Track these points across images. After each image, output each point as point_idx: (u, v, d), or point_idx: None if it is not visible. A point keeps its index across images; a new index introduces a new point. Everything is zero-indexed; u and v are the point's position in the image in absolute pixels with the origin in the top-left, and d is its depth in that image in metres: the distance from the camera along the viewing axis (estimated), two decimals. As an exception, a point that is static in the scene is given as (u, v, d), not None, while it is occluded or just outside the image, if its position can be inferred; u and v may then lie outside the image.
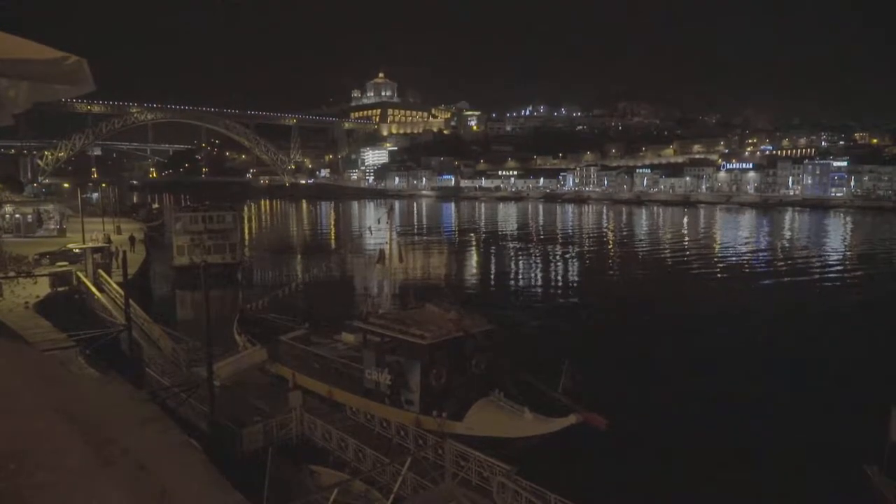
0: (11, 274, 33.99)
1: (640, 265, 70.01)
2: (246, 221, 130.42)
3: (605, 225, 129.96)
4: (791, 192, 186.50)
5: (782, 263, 69.13)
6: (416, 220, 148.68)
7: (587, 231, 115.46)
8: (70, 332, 23.13)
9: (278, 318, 30.50)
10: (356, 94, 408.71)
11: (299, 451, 18.75)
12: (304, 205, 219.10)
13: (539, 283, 59.28)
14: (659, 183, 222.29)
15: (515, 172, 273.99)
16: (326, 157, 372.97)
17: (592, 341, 35.45)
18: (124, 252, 33.60)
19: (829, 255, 75.90)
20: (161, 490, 2.22)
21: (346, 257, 67.13)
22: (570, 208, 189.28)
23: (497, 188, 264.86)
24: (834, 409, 24.34)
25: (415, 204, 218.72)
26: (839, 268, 66.75)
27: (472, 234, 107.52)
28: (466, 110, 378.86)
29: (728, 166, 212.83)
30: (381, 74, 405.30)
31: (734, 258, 74.09)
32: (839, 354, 32.81)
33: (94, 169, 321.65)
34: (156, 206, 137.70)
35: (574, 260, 74.04)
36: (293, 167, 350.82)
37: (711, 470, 19.71)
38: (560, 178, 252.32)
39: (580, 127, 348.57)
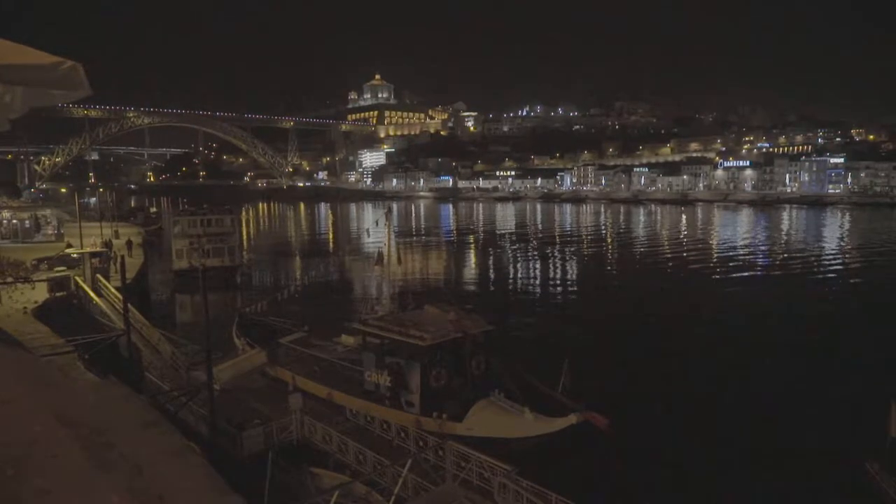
0: (9, 280, 33.91)
1: (639, 264, 70.07)
2: (244, 224, 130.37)
3: (604, 224, 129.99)
4: (788, 190, 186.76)
5: (780, 261, 69.20)
6: (414, 221, 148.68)
7: (585, 231, 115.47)
8: (69, 338, 23.09)
9: (277, 320, 30.48)
10: (353, 96, 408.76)
11: (300, 454, 18.72)
12: (302, 207, 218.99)
13: (538, 283, 59.26)
14: (656, 181, 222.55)
15: (513, 173, 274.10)
16: (324, 160, 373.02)
17: (593, 341, 35.42)
18: (122, 256, 33.57)
19: (826, 252, 76.03)
20: (160, 494, 2.22)
21: (344, 259, 67.11)
22: (567, 208, 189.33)
23: (495, 189, 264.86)
24: (834, 406, 24.36)
25: (413, 205, 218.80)
26: (837, 264, 66.85)
27: (471, 235, 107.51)
28: (463, 111, 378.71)
29: (725, 164, 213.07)
30: (377, 76, 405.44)
31: (732, 256, 74.13)
32: (839, 351, 32.83)
33: (91, 173, 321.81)
34: (153, 209, 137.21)
35: (573, 260, 74.04)
36: (290, 170, 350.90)
37: (712, 468, 19.72)
38: (558, 177, 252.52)
39: (577, 126, 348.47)
